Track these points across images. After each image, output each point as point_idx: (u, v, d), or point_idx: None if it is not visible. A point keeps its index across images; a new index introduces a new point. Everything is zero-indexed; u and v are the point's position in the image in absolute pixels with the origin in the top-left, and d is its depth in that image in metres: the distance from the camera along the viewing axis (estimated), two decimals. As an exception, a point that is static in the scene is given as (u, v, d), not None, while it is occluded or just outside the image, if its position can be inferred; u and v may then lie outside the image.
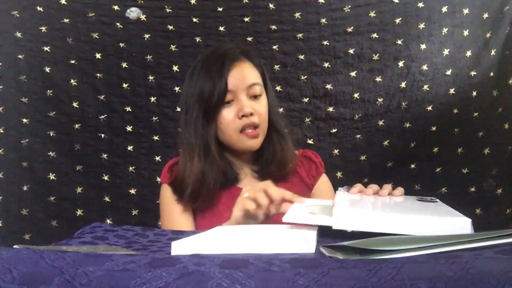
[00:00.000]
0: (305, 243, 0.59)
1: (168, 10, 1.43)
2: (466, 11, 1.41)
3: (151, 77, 1.43)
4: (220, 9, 1.43)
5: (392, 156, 1.42)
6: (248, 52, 1.09)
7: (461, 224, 0.60)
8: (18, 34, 1.38)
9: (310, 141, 1.44)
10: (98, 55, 1.42)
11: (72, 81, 1.40)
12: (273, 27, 1.43)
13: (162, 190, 1.10)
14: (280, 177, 1.07)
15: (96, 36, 1.41)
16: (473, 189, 1.42)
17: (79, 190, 1.40)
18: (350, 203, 0.72)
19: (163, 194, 1.10)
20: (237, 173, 1.09)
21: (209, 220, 1.04)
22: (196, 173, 1.01)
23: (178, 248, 0.61)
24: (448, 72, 1.41)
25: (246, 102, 1.01)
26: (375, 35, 1.42)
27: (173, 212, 1.06)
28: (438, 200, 0.80)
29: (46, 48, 1.39)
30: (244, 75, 1.02)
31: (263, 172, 1.08)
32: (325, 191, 1.14)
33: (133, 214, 1.42)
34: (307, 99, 1.44)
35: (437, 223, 0.61)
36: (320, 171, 1.14)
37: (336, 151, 1.43)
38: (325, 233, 0.70)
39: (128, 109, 1.42)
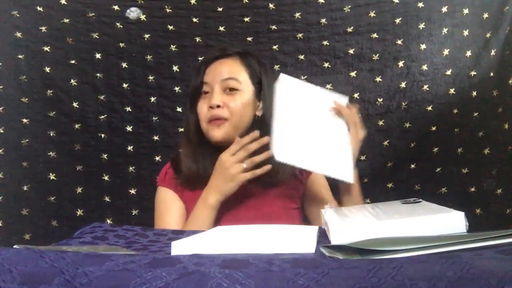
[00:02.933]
0: (305, 243, 0.59)
1: (168, 10, 1.43)
2: (466, 11, 1.40)
3: (151, 77, 1.43)
4: (220, 9, 1.43)
5: (392, 156, 1.42)
6: (245, 53, 1.13)
7: (455, 218, 0.61)
8: (18, 34, 1.38)
9: (310, 141, 1.43)
10: (98, 55, 1.41)
11: (72, 81, 1.40)
12: (273, 27, 1.43)
13: (158, 192, 1.14)
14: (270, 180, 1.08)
15: (96, 36, 1.41)
16: (473, 189, 1.42)
17: (79, 190, 1.40)
18: (342, 218, 0.72)
19: (159, 195, 1.13)
20: None
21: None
22: (184, 157, 1.10)
23: (178, 248, 0.61)
24: (448, 72, 1.41)
25: (217, 95, 1.06)
26: (375, 35, 1.42)
27: (168, 213, 1.10)
28: (421, 200, 0.81)
29: (46, 48, 1.39)
30: (222, 70, 1.08)
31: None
32: (319, 184, 1.15)
33: (133, 214, 1.42)
34: (307, 99, 1.44)
35: (432, 221, 0.62)
36: None
37: (336, 151, 1.43)
38: (325, 233, 0.70)
39: (128, 109, 1.42)
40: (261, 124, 1.09)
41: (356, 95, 1.42)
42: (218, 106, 1.05)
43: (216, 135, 1.06)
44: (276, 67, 1.44)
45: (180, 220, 1.09)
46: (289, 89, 1.01)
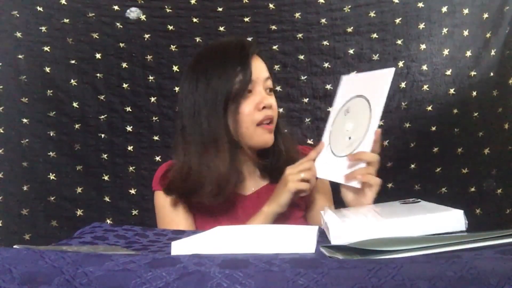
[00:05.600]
0: (305, 243, 0.59)
1: (168, 10, 1.43)
2: (466, 11, 1.41)
3: (151, 77, 1.42)
4: (220, 9, 1.43)
5: (392, 156, 1.42)
6: (258, 46, 1.08)
7: (454, 216, 0.62)
8: (18, 34, 1.38)
9: (310, 141, 1.44)
10: (98, 55, 1.41)
11: (72, 81, 1.40)
12: (273, 27, 1.43)
13: (158, 197, 1.06)
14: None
15: (96, 36, 1.41)
16: (473, 189, 1.42)
17: (79, 190, 1.40)
18: (341, 218, 0.72)
19: (159, 200, 1.06)
20: (244, 176, 1.06)
21: (203, 217, 1.03)
22: (220, 171, 0.95)
23: (178, 248, 0.61)
24: (448, 72, 1.41)
25: (265, 94, 1.00)
26: (375, 35, 1.42)
27: (175, 216, 1.03)
28: (420, 200, 0.81)
29: (46, 48, 1.39)
30: (261, 67, 1.01)
31: (271, 170, 1.05)
32: (324, 190, 1.11)
33: (133, 214, 1.42)
34: (307, 99, 1.44)
35: (431, 220, 0.62)
36: None
37: (336, 151, 1.43)
38: (325, 233, 0.70)
39: (128, 109, 1.42)
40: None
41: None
42: (270, 107, 0.99)
43: (269, 139, 1.00)
44: (276, 67, 1.44)
45: (189, 227, 1.03)
46: (344, 90, 0.99)
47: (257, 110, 0.98)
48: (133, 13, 1.42)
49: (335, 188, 1.12)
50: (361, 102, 0.92)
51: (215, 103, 0.96)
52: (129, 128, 1.42)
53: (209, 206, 1.01)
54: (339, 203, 1.02)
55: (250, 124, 0.98)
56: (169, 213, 1.04)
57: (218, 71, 0.97)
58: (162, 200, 1.05)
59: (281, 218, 1.00)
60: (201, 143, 0.97)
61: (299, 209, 1.08)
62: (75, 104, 1.41)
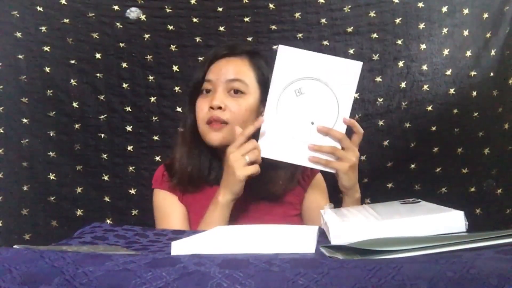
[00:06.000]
0: (305, 243, 0.59)
1: (168, 10, 1.43)
2: (466, 11, 1.41)
3: (151, 77, 1.42)
4: (220, 9, 1.43)
5: (392, 156, 1.42)
6: (255, 53, 1.09)
7: (454, 217, 0.62)
8: (18, 34, 1.38)
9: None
10: (98, 55, 1.41)
11: (72, 81, 1.40)
12: (273, 27, 1.43)
13: (156, 195, 1.10)
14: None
15: (96, 36, 1.41)
16: (473, 189, 1.42)
17: (79, 190, 1.40)
18: (341, 218, 0.72)
19: (158, 199, 1.09)
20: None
21: (196, 214, 1.05)
22: (178, 158, 1.05)
23: (178, 248, 0.61)
24: (448, 72, 1.41)
25: (220, 96, 1.00)
26: (375, 35, 1.42)
27: (170, 217, 1.06)
28: (420, 200, 0.81)
29: (46, 48, 1.39)
30: (228, 69, 1.02)
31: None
32: (319, 193, 1.12)
33: (133, 214, 1.42)
34: (307, 99, 1.44)
35: (432, 220, 0.62)
36: (314, 171, 1.11)
37: (336, 151, 1.43)
38: (325, 233, 0.70)
39: (128, 109, 1.42)
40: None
41: (356, 95, 1.42)
42: (220, 108, 0.99)
43: (213, 139, 1.00)
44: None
45: (184, 223, 1.06)
46: (289, 64, 0.93)
47: (208, 109, 1.01)
48: (133, 13, 1.42)
49: (334, 186, 1.13)
50: (320, 86, 0.93)
51: (188, 101, 1.07)
52: (129, 128, 1.42)
53: (199, 199, 1.04)
54: (338, 203, 1.03)
55: (201, 121, 1.03)
56: (166, 209, 1.07)
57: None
58: (160, 198, 1.09)
59: (275, 216, 1.02)
60: (181, 139, 1.07)
61: (293, 208, 1.09)
62: (75, 104, 1.41)
